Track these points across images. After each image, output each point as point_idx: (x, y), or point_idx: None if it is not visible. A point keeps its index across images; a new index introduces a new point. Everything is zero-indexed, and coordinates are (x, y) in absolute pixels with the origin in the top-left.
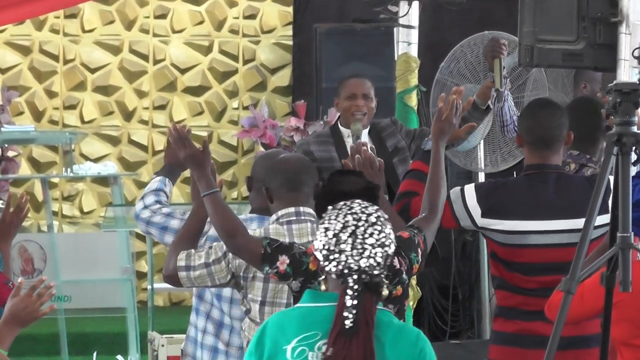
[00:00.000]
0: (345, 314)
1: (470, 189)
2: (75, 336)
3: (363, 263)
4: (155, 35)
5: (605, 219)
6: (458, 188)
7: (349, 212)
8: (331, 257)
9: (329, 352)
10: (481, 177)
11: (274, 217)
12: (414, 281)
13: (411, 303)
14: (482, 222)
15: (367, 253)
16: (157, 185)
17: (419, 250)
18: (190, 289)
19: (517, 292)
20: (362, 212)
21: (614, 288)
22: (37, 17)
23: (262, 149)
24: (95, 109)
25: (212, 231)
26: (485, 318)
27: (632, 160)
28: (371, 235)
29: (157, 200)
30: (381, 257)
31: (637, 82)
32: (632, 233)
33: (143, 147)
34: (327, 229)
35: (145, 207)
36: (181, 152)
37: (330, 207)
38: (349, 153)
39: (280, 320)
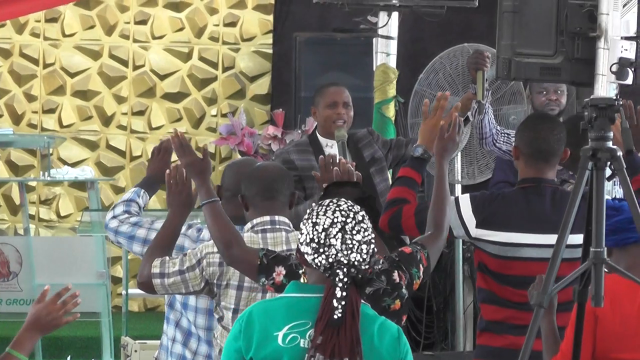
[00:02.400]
0: (335, 304)
1: (465, 199)
2: (50, 340)
3: (353, 257)
4: (135, 40)
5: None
6: (452, 198)
7: (337, 208)
8: (321, 250)
9: (319, 340)
10: (458, 189)
11: (248, 225)
12: None
13: None
14: (476, 232)
15: (355, 248)
16: (129, 195)
17: (421, 266)
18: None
19: (507, 306)
20: (350, 210)
21: (586, 303)
22: (18, 21)
23: (239, 156)
24: (74, 113)
25: (178, 240)
26: (459, 330)
27: (607, 176)
28: (358, 232)
29: (126, 210)
30: (367, 253)
31: (614, 98)
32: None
33: (121, 153)
34: (315, 224)
35: (114, 217)
36: (182, 160)
37: (314, 205)
38: (318, 165)
39: (266, 308)
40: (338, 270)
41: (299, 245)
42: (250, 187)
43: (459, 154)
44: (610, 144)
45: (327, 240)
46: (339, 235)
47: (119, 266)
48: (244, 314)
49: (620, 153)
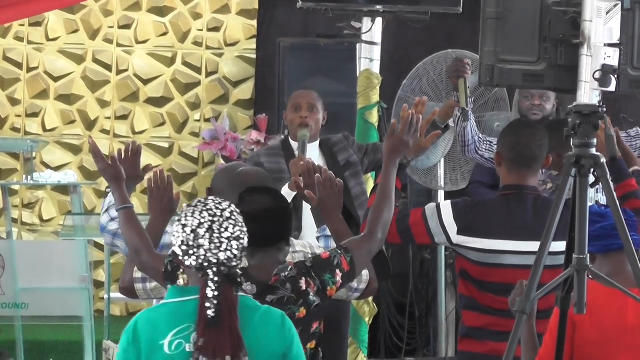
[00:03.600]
0: (207, 304)
1: (447, 206)
2: (32, 343)
3: (222, 256)
4: (119, 45)
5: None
6: (433, 204)
7: (204, 208)
8: (190, 252)
9: (200, 342)
10: (441, 195)
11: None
12: (370, 297)
13: (367, 319)
14: (457, 239)
15: (224, 246)
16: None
17: (338, 271)
18: (147, 300)
19: (488, 313)
20: (217, 208)
21: (569, 310)
22: (2, 25)
23: (222, 161)
24: (58, 117)
25: (166, 238)
26: (442, 336)
27: (590, 182)
28: (226, 229)
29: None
30: (237, 249)
31: (597, 105)
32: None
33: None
34: (184, 226)
35: (112, 219)
36: (98, 166)
37: (185, 205)
38: (289, 169)
39: (149, 318)
40: (208, 270)
41: (173, 247)
42: (232, 193)
43: (442, 160)
44: (594, 150)
45: (196, 241)
46: (207, 235)
47: (101, 270)
48: (129, 326)
49: (604, 160)
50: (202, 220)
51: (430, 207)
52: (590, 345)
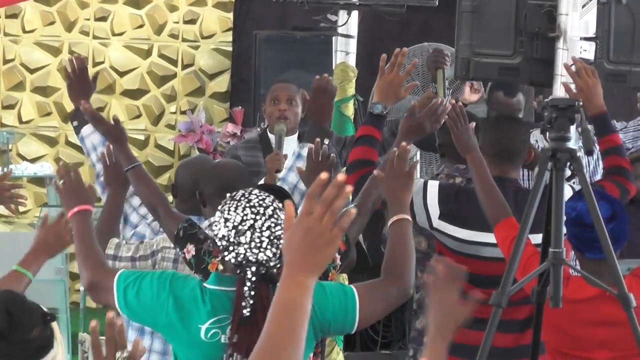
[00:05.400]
0: (243, 303)
1: (433, 187)
2: None
3: (261, 256)
4: (95, 37)
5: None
6: (422, 181)
7: (247, 204)
8: (230, 248)
9: (234, 338)
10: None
11: (206, 222)
12: None
13: None
14: (437, 223)
15: (264, 246)
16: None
17: (336, 254)
18: None
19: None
20: (260, 205)
21: (545, 303)
22: None
23: (198, 153)
24: (34, 109)
25: (140, 228)
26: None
27: (566, 176)
28: (268, 228)
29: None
30: (277, 248)
31: (574, 98)
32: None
33: (80, 149)
34: (227, 220)
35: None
36: (98, 129)
37: (228, 196)
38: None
39: (191, 291)
40: (247, 269)
41: (215, 237)
42: (208, 186)
43: (418, 153)
44: (569, 144)
45: (237, 238)
46: (248, 233)
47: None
48: (165, 276)
49: (580, 154)
50: (245, 218)
51: (417, 183)
52: (561, 334)
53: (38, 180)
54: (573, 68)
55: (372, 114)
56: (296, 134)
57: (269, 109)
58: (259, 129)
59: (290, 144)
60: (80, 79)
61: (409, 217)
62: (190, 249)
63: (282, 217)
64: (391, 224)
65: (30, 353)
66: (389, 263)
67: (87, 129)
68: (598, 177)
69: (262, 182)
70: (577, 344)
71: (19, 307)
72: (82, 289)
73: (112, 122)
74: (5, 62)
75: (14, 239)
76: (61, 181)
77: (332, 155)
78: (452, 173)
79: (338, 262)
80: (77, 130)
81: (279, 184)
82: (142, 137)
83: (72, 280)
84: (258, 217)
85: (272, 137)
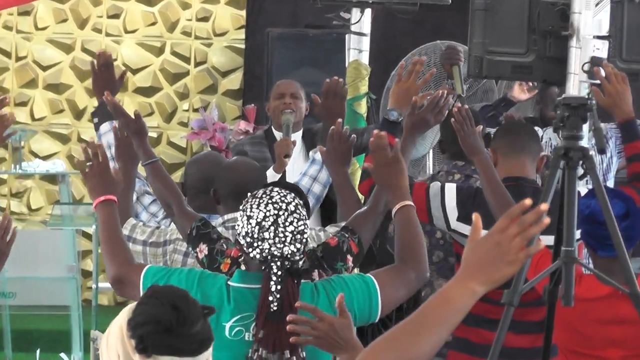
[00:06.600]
0: (270, 298)
1: (451, 190)
2: (20, 333)
3: (286, 250)
4: (107, 34)
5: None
6: (438, 184)
7: (269, 201)
8: (255, 244)
9: (260, 334)
10: None
11: (220, 220)
12: None
13: None
14: (455, 225)
15: (288, 240)
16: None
17: (349, 256)
18: None
19: (482, 300)
20: (282, 202)
21: (557, 302)
22: None
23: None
24: (46, 106)
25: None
26: None
27: (579, 175)
28: (291, 223)
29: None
30: (300, 243)
31: (586, 97)
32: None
33: None
34: (249, 217)
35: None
36: (120, 120)
37: (249, 195)
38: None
39: (218, 289)
40: (272, 264)
41: (237, 235)
42: (222, 185)
43: (430, 151)
44: (582, 143)
45: (261, 234)
46: (272, 228)
47: (89, 260)
48: (193, 273)
49: (592, 152)
50: (268, 214)
51: (434, 187)
52: (573, 332)
53: (50, 178)
54: (602, 73)
55: (387, 120)
56: (301, 131)
57: (274, 104)
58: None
59: (295, 140)
60: (105, 75)
61: (412, 202)
62: (203, 249)
63: (304, 212)
64: (396, 212)
65: (195, 346)
66: (402, 250)
67: (106, 126)
68: (611, 175)
69: (270, 170)
70: (589, 343)
71: (183, 301)
72: (94, 286)
73: (133, 116)
74: (18, 59)
75: (27, 237)
76: (87, 164)
77: (352, 136)
78: (450, 170)
79: (350, 264)
80: (97, 127)
81: None
82: (154, 135)
83: (84, 277)
84: (281, 213)
85: (277, 133)
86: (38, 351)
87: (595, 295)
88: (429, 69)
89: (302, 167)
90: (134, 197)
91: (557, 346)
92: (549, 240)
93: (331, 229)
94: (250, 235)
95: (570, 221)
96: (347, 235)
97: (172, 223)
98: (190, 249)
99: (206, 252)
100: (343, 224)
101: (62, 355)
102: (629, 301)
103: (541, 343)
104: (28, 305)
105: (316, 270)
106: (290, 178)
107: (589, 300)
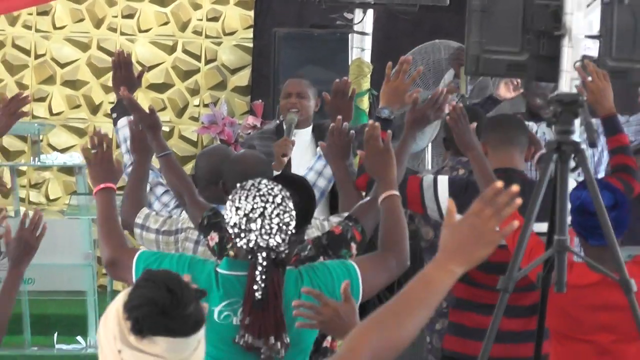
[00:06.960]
0: (255, 287)
1: (443, 182)
2: (38, 317)
3: (271, 242)
4: (122, 34)
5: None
6: (431, 177)
7: (257, 193)
8: (242, 234)
9: (246, 321)
10: None
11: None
12: None
13: None
14: None
15: (274, 232)
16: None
17: (353, 244)
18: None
19: (475, 286)
20: (269, 194)
21: (549, 288)
22: (11, 13)
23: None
24: (64, 102)
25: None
26: None
27: (571, 168)
28: (277, 215)
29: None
30: (286, 235)
31: (578, 93)
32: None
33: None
34: (237, 208)
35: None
36: (133, 116)
37: (238, 186)
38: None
39: (207, 275)
40: (258, 254)
41: (226, 224)
42: (230, 177)
43: (429, 145)
44: (574, 137)
45: (248, 225)
46: (259, 220)
47: None
48: (184, 258)
49: (584, 146)
50: (255, 206)
51: (427, 179)
52: (566, 317)
53: (67, 170)
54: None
55: (379, 118)
56: (310, 127)
57: (282, 102)
58: (277, 122)
59: (304, 136)
60: (125, 73)
61: (397, 193)
62: (214, 237)
63: (290, 205)
64: (382, 201)
65: (189, 327)
66: (385, 238)
67: (123, 121)
68: (602, 167)
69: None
70: (580, 327)
71: (178, 285)
72: None
73: (147, 111)
74: (37, 57)
75: None
76: (93, 151)
77: (351, 132)
78: (455, 165)
79: (354, 251)
80: (115, 121)
81: None
82: (167, 129)
83: (99, 264)
84: (267, 205)
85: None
86: (55, 335)
87: (586, 282)
88: (428, 67)
89: (310, 161)
90: (148, 188)
91: (548, 330)
92: (541, 227)
93: (334, 219)
94: (237, 225)
95: (562, 211)
96: (350, 224)
97: (183, 212)
98: (201, 237)
99: (217, 240)
100: (346, 213)
101: (79, 338)
102: (618, 288)
103: (532, 326)
104: (46, 290)
105: (321, 257)
106: (298, 172)
107: (580, 286)
